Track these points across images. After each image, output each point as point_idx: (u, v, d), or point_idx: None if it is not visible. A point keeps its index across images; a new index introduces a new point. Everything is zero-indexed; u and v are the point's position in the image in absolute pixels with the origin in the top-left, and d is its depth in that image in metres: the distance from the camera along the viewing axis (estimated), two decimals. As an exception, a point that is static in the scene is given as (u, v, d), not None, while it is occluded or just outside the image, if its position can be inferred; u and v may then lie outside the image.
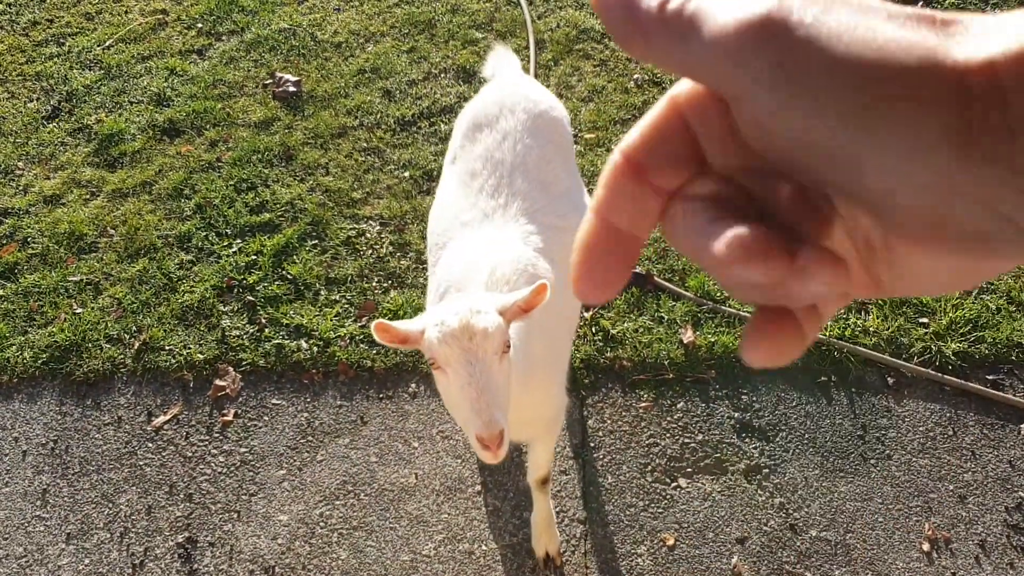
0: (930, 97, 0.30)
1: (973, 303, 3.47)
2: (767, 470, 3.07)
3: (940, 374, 3.27)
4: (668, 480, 3.06)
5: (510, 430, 1.80)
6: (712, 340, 3.41)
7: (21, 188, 4.43)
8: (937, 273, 0.37)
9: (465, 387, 1.74)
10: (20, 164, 4.57)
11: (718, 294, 3.58)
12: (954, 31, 0.31)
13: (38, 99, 4.99)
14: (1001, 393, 3.21)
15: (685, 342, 3.42)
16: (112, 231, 4.13)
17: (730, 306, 3.56)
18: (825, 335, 3.42)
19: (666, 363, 3.36)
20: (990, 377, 3.28)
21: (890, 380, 3.28)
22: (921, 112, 0.30)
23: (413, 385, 3.37)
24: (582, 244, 0.41)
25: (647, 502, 3.00)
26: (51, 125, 4.79)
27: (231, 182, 4.28)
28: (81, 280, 3.91)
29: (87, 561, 2.99)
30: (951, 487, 3.00)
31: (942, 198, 0.31)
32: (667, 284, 3.66)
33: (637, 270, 3.69)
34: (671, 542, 2.90)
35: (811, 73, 0.31)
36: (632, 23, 0.35)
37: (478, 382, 1.74)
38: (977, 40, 0.30)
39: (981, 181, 0.30)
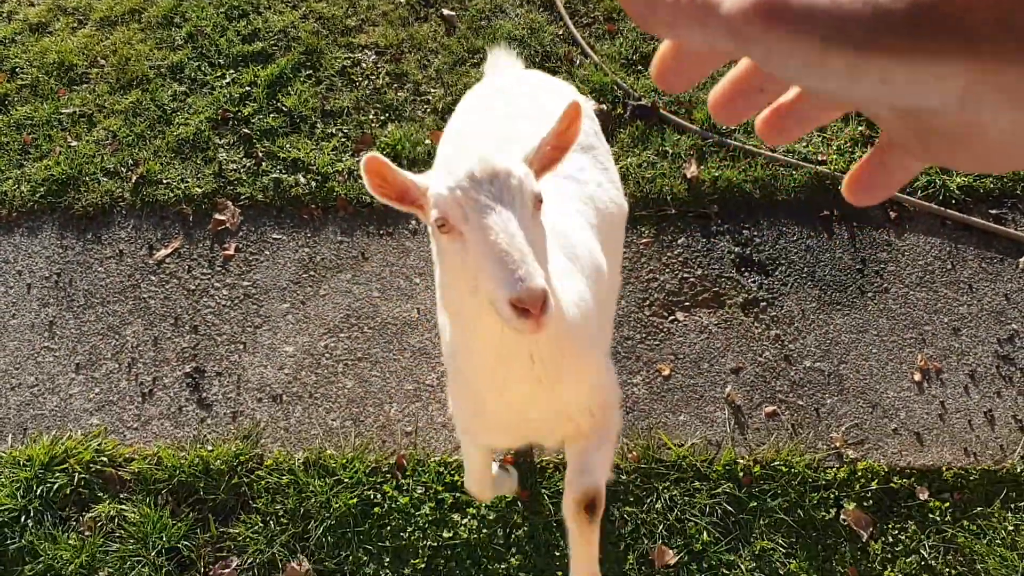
0: (937, 43, 0.32)
1: (983, 136, 3.39)
2: (764, 303, 3.10)
3: (943, 208, 3.25)
4: (665, 314, 3.09)
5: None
6: (716, 175, 3.37)
7: (4, 15, 4.27)
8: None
9: (489, 241, 1.30)
10: (1, -10, 4.39)
11: (724, 127, 3.51)
12: None
13: (14, -81, 4.73)
14: (1003, 227, 3.19)
15: (689, 177, 3.37)
16: (103, 61, 4.01)
17: (735, 139, 3.49)
18: (829, 169, 3.37)
19: (668, 198, 3.33)
20: (993, 211, 3.26)
21: (892, 214, 3.26)
22: (928, 57, 0.32)
23: (413, 222, 3.36)
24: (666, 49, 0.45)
25: (644, 335, 3.05)
26: (30, -53, 4.57)
27: (222, 9, 4.12)
28: (74, 112, 3.83)
29: (97, 390, 3.08)
30: (946, 320, 3.04)
31: (969, 114, 0.34)
32: (672, 116, 3.58)
33: (642, 102, 3.60)
34: (667, 372, 2.96)
35: (815, 40, 0.34)
36: (654, 16, 0.40)
37: (507, 228, 1.30)
38: None
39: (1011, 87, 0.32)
